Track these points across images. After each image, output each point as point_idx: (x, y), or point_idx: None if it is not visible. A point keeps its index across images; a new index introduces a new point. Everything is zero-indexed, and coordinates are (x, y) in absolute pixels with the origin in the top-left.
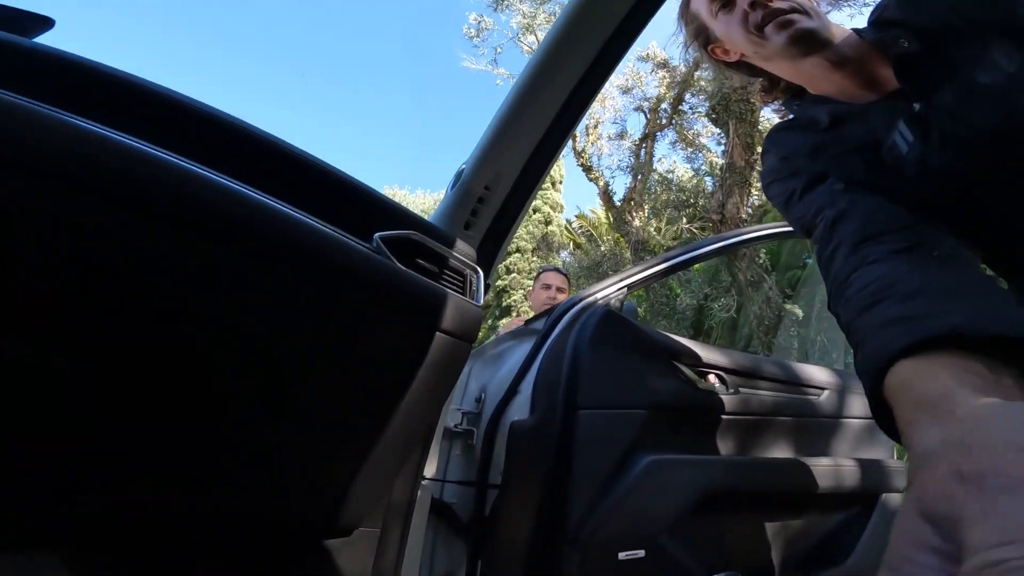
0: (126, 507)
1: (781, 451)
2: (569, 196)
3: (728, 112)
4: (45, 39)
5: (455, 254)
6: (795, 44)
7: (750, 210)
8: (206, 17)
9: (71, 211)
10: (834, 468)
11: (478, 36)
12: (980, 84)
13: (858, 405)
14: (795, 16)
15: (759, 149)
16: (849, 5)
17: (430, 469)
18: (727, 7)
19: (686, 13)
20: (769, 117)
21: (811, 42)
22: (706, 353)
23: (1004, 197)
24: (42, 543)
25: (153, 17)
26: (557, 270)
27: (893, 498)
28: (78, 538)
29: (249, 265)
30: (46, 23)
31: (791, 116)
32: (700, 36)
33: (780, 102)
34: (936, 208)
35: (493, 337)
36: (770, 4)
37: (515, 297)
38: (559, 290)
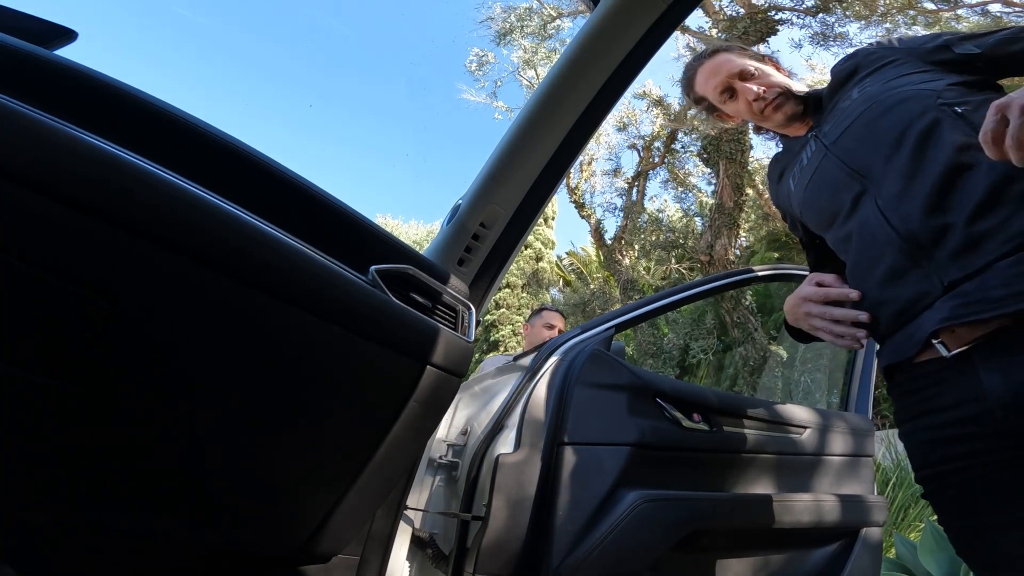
0: (103, 531)
1: (764, 488)
2: (561, 232)
3: (719, 152)
4: (67, 52)
5: (448, 290)
6: (788, 118)
7: (738, 251)
8: (225, 46)
9: (71, 229)
10: (816, 504)
11: (479, 70)
12: (839, 108)
13: (839, 443)
14: (782, 100)
15: (748, 191)
16: (835, 44)
17: (413, 499)
18: (733, 98)
19: (692, 92)
20: (758, 158)
21: (795, 116)
22: (691, 392)
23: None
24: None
25: (175, 42)
26: (558, 310)
27: (874, 532)
28: (48, 559)
29: (242, 292)
30: (68, 36)
31: (780, 148)
32: (709, 109)
33: (770, 135)
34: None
35: (478, 371)
36: (765, 96)
37: (503, 332)
38: (560, 332)
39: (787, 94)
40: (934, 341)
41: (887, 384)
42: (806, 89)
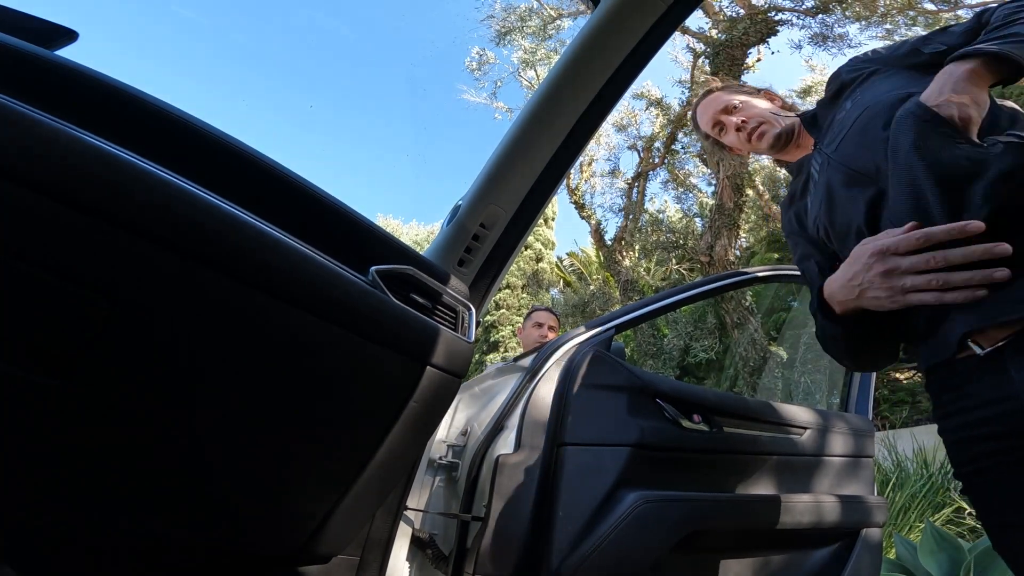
0: (103, 531)
1: (764, 488)
2: (561, 233)
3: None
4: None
5: (448, 291)
6: (772, 145)
7: (738, 252)
8: (225, 47)
9: (71, 229)
10: (816, 504)
11: (479, 69)
12: (835, 121)
13: (839, 444)
14: (764, 128)
15: (748, 191)
16: (834, 45)
17: (413, 500)
18: (723, 132)
19: (699, 130)
20: (759, 158)
21: (780, 140)
22: (691, 392)
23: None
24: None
25: (175, 42)
26: (549, 309)
27: (874, 533)
28: (48, 559)
29: (242, 292)
30: (69, 36)
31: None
32: (716, 143)
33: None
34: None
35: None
36: (745, 125)
37: (503, 333)
38: (551, 329)
39: (769, 122)
40: (968, 341)
41: (925, 382)
42: (793, 116)
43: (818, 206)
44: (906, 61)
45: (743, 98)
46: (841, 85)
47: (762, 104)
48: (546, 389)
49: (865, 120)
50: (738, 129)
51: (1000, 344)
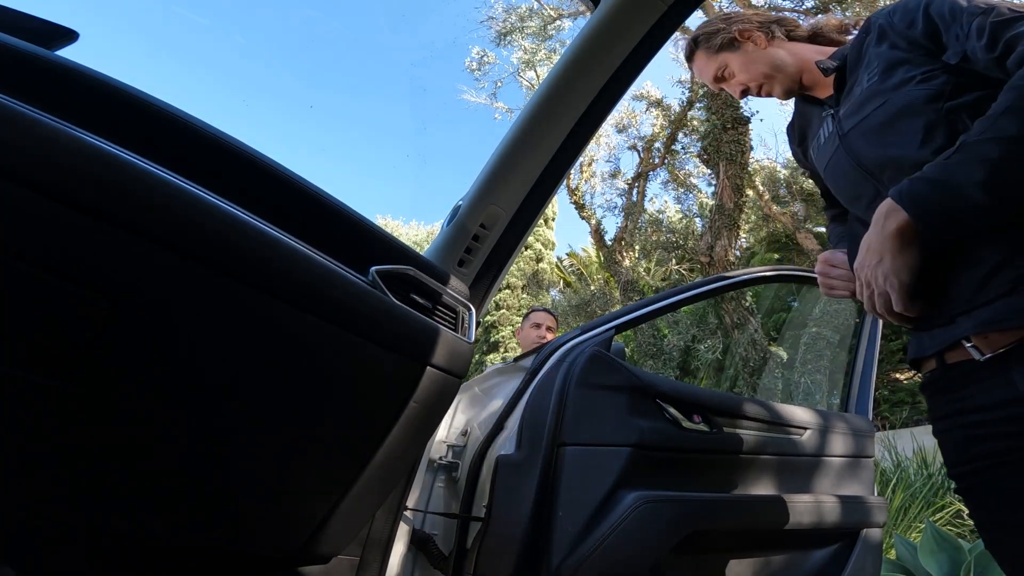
0: (103, 532)
1: (764, 488)
2: (561, 233)
3: (719, 153)
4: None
5: (449, 291)
6: (782, 99)
7: (738, 252)
8: (225, 47)
9: (71, 229)
10: (816, 505)
11: (479, 70)
12: (854, 93)
13: (839, 444)
14: (767, 86)
15: (748, 191)
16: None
17: (413, 500)
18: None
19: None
20: (758, 159)
21: (790, 95)
22: (691, 393)
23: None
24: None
25: (175, 42)
26: (547, 310)
27: (874, 533)
28: (48, 559)
29: (242, 292)
30: (69, 36)
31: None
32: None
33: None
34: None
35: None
36: (749, 92)
37: (503, 333)
38: (548, 329)
39: (767, 79)
40: (966, 344)
41: (920, 383)
42: (787, 57)
43: (822, 168)
44: (932, 53)
45: (728, 57)
46: (877, 37)
47: (748, 60)
48: (546, 389)
49: (874, 121)
50: (742, 95)
51: (1002, 351)
